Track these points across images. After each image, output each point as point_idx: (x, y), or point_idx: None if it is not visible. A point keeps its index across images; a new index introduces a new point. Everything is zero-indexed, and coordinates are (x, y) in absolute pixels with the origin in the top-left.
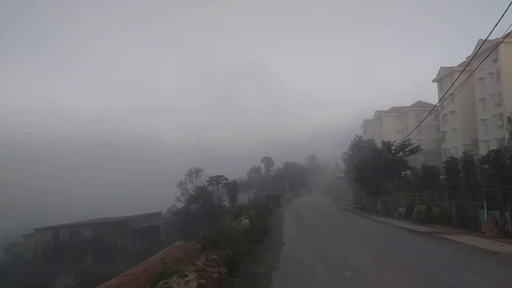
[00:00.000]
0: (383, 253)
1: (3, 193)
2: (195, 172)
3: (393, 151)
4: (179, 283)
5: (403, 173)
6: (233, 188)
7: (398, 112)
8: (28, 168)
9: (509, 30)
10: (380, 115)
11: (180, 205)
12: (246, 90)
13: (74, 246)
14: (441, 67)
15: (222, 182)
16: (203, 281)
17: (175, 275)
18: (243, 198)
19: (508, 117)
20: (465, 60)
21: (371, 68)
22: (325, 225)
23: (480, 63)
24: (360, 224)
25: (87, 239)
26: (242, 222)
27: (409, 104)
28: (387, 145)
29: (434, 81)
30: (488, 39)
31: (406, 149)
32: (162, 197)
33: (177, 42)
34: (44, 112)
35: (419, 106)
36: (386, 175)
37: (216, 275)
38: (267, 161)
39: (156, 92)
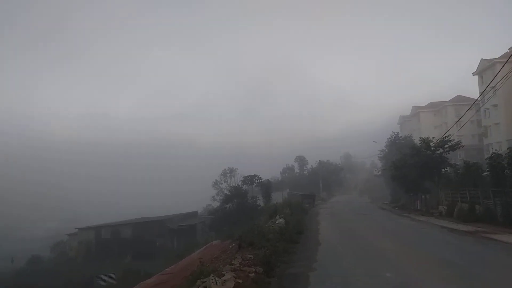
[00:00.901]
0: (425, 253)
1: (49, 195)
2: (229, 172)
3: (432, 148)
4: (216, 283)
5: (443, 170)
6: (267, 187)
7: (436, 107)
8: (71, 170)
9: None
10: (417, 111)
11: (215, 204)
12: (278, 89)
13: (115, 245)
14: (481, 59)
15: (256, 181)
16: (240, 281)
17: (212, 274)
18: (277, 197)
19: None
20: (508, 51)
21: (406, 63)
22: (362, 225)
23: None
24: (399, 224)
25: (127, 238)
26: (277, 222)
27: (447, 99)
28: (425, 142)
29: (474, 74)
30: None
31: (446, 146)
32: (198, 196)
33: (206, 42)
34: (85, 115)
35: (459, 100)
36: (425, 172)
37: (253, 274)
38: (301, 160)
39: (190, 93)
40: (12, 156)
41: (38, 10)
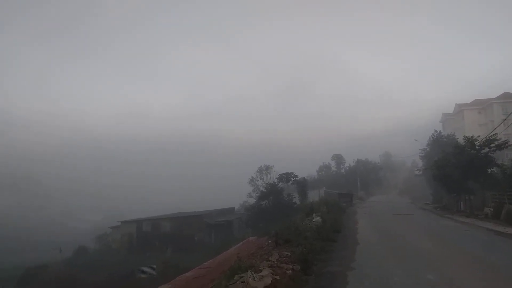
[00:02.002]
0: (469, 256)
1: (93, 189)
2: (265, 169)
3: (477, 147)
4: (254, 278)
5: (489, 170)
6: (303, 185)
7: (481, 105)
8: (115, 168)
9: None
10: (461, 109)
11: (251, 201)
12: (316, 85)
13: (155, 238)
14: None
15: (292, 179)
16: (277, 277)
17: (250, 270)
18: (313, 195)
19: None
20: None
21: (449, 58)
22: (402, 225)
23: None
24: (441, 225)
25: (167, 232)
26: (313, 220)
27: (493, 96)
28: (470, 141)
29: None
30: None
31: (492, 145)
32: (234, 193)
33: (242, 39)
34: (127, 114)
35: (506, 97)
36: (469, 172)
37: (290, 271)
38: (338, 158)
39: (227, 90)
40: (61, 155)
41: (78, 11)
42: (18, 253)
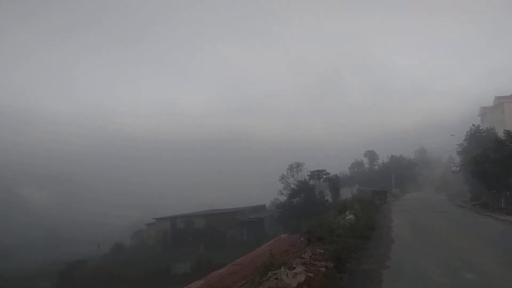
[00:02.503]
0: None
1: (131, 186)
2: (296, 166)
3: None
4: (287, 275)
5: None
6: (335, 182)
7: None
8: (149, 165)
9: None
10: (501, 101)
11: (283, 198)
12: (347, 80)
13: (189, 235)
14: None
15: (323, 176)
16: (311, 275)
17: (283, 267)
18: (346, 193)
19: None
20: None
21: (487, 48)
22: (439, 223)
23: None
24: (480, 223)
25: (200, 228)
26: (347, 218)
27: None
28: (510, 135)
29: None
30: None
31: None
32: (265, 190)
33: (272, 35)
34: (160, 112)
35: None
36: (510, 168)
37: (324, 269)
38: (371, 154)
39: (257, 87)
40: (99, 154)
41: (117, 13)
42: (59, 248)
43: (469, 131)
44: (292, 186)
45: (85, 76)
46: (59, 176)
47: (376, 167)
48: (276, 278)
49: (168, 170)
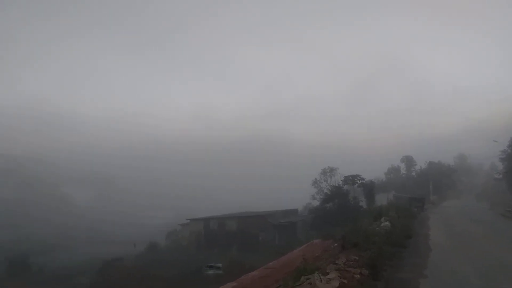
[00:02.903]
0: None
1: (166, 188)
2: (329, 171)
3: None
4: (321, 280)
5: None
6: (370, 188)
7: None
8: (184, 167)
9: None
10: None
11: (315, 203)
12: (384, 83)
13: (222, 236)
14: None
15: (358, 181)
16: (345, 281)
17: (317, 272)
18: (381, 199)
19: None
20: None
21: None
22: (480, 232)
23: None
24: None
25: (233, 230)
26: (382, 224)
27: None
28: None
29: None
30: None
31: None
32: (298, 194)
33: (307, 38)
34: (195, 116)
35: None
36: None
37: (358, 276)
38: (408, 160)
39: (291, 91)
40: (134, 155)
41: (153, 18)
42: (97, 246)
43: None
44: (325, 191)
45: (123, 81)
46: (99, 177)
47: (413, 173)
48: (310, 283)
49: (202, 172)
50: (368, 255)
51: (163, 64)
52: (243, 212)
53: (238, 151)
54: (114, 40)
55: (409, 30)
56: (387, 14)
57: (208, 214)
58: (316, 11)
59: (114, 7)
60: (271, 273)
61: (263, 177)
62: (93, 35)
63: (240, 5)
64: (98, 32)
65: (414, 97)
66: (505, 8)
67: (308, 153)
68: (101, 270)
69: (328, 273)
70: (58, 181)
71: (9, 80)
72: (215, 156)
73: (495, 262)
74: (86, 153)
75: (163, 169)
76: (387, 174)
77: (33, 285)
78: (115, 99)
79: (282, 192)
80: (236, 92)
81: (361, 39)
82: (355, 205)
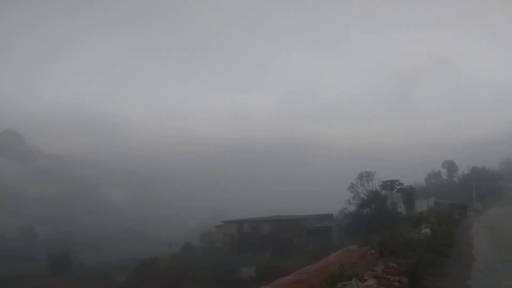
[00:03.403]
0: None
1: (200, 189)
2: (366, 176)
3: None
4: (358, 287)
5: None
6: (409, 194)
7: None
8: (218, 169)
9: None
10: None
11: (351, 208)
12: (424, 85)
13: (255, 239)
14: None
15: (397, 187)
16: None
17: (354, 278)
18: (421, 205)
19: None
20: None
21: None
22: None
23: None
24: None
25: (266, 233)
26: (422, 231)
27: None
28: None
29: None
30: None
31: None
32: (332, 199)
33: (343, 41)
34: (229, 117)
35: None
36: None
37: (397, 284)
38: (449, 165)
39: (326, 93)
40: (170, 157)
41: (191, 22)
42: (134, 245)
43: None
44: (362, 196)
45: (161, 84)
46: (137, 179)
47: (455, 179)
48: None
49: (236, 173)
50: (408, 262)
51: (200, 67)
52: (276, 215)
53: (273, 153)
54: (153, 45)
55: (452, 29)
56: (428, 12)
57: (241, 216)
58: (353, 13)
59: (153, 13)
60: (305, 278)
61: (298, 180)
62: (133, 40)
63: (275, 8)
64: (137, 37)
65: (456, 99)
66: None
67: (344, 156)
68: (138, 269)
69: (365, 280)
70: (98, 182)
71: (55, 83)
72: (250, 158)
73: None
74: (125, 155)
75: (199, 171)
76: (427, 180)
77: (74, 282)
78: (153, 102)
79: (316, 196)
80: (270, 93)
81: (401, 38)
82: (393, 211)
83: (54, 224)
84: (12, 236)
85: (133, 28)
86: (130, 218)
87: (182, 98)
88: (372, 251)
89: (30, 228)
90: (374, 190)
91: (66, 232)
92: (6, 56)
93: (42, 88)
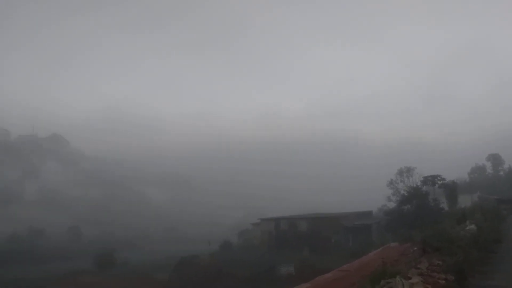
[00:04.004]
0: None
1: (237, 187)
2: (406, 171)
3: None
4: (403, 285)
5: None
6: (452, 189)
7: None
8: (252, 167)
9: None
10: None
11: (391, 205)
12: (465, 77)
13: (293, 237)
14: None
15: (439, 182)
16: (429, 286)
17: (398, 276)
18: (464, 201)
19: None
20: None
21: None
22: None
23: None
24: None
25: (303, 231)
26: (467, 228)
27: None
28: None
29: None
30: None
31: None
32: (371, 196)
33: (377, 34)
34: (261, 116)
35: None
36: None
37: (443, 281)
38: (495, 159)
39: (360, 88)
40: (207, 157)
41: (223, 21)
42: (174, 243)
43: None
44: (402, 192)
45: (195, 85)
46: (175, 178)
47: (502, 173)
48: (391, 287)
49: (271, 171)
50: (454, 260)
51: (231, 67)
52: (314, 213)
53: (308, 151)
54: (185, 45)
55: (495, 16)
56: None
57: (278, 214)
58: (386, 4)
59: (183, 11)
60: (345, 276)
61: (334, 177)
62: (166, 43)
63: (305, 5)
64: (170, 38)
65: (500, 91)
66: None
67: (382, 152)
68: (178, 267)
69: (410, 278)
70: (138, 182)
71: (93, 88)
72: (284, 156)
73: None
74: (162, 156)
75: (234, 169)
76: (471, 174)
77: (119, 279)
78: (186, 103)
79: (354, 193)
80: (304, 91)
81: (439, 27)
82: (435, 207)
83: (98, 224)
84: (59, 236)
85: (165, 30)
86: (169, 217)
87: (214, 98)
88: (415, 249)
89: (76, 228)
90: (414, 186)
91: (109, 231)
92: (51, 68)
93: (82, 93)
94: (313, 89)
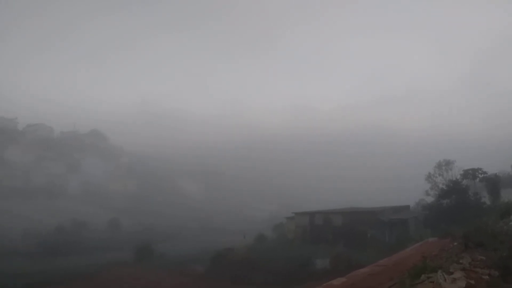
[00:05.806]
0: None
1: (271, 180)
2: (445, 164)
3: None
4: (445, 280)
5: None
6: (494, 183)
7: None
8: (286, 160)
9: None
10: None
11: (429, 199)
12: (505, 66)
13: (327, 231)
14: None
15: (480, 175)
16: (472, 282)
17: (440, 270)
18: (508, 195)
19: None
20: None
21: None
22: None
23: None
24: None
25: (338, 226)
26: (511, 223)
27: None
28: None
29: None
30: None
31: None
32: (409, 189)
33: (417, 21)
34: (293, 107)
35: None
36: None
37: (487, 277)
38: None
39: (398, 78)
40: (240, 150)
41: (255, 15)
42: (210, 236)
43: None
44: (441, 186)
45: (227, 79)
46: (210, 171)
47: None
48: (432, 282)
49: (305, 164)
50: (498, 255)
51: (263, 57)
52: (349, 207)
53: (343, 143)
54: (217, 41)
55: None
56: None
57: (312, 207)
58: None
59: (214, 7)
60: (382, 271)
61: (370, 170)
62: (196, 37)
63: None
64: (202, 34)
65: None
66: None
67: (421, 144)
68: (214, 260)
69: (452, 273)
70: (173, 175)
71: (127, 83)
72: (319, 148)
73: None
74: (196, 149)
75: (268, 161)
76: None
77: (158, 270)
78: (217, 94)
79: (391, 187)
80: (337, 81)
81: (481, 15)
82: (476, 202)
83: (136, 216)
84: (100, 228)
85: (195, 25)
86: (204, 210)
87: (246, 89)
88: (455, 244)
89: (116, 220)
90: (454, 179)
91: (147, 224)
92: (90, 66)
93: (119, 90)
94: (348, 80)
